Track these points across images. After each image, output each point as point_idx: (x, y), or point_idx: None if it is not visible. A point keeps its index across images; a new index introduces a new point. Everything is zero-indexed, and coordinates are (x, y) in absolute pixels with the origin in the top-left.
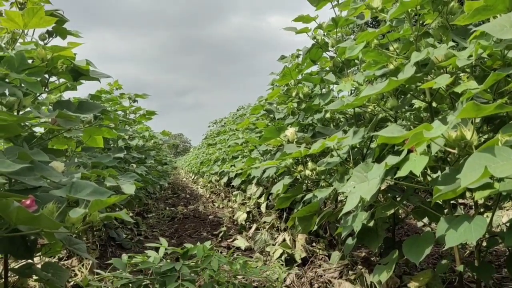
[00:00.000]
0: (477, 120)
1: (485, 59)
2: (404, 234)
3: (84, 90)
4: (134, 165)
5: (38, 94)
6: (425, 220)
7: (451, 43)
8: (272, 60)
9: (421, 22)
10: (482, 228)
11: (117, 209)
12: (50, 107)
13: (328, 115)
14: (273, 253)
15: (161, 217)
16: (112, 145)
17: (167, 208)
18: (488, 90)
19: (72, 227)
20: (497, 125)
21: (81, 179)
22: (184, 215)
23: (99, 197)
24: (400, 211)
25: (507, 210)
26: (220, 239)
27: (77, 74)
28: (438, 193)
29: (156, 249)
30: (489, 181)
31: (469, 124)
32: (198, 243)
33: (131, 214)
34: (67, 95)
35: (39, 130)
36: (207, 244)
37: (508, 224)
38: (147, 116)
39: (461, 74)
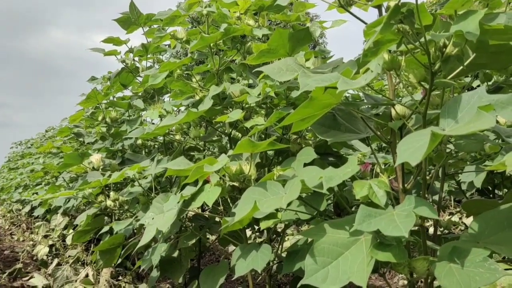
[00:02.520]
0: (271, 152)
1: (273, 98)
2: (215, 261)
3: None
4: None
5: None
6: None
7: (251, 81)
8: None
9: (225, 57)
10: (267, 256)
11: None
12: None
13: (139, 141)
14: None
15: None
16: None
17: None
18: (277, 124)
19: None
20: (284, 157)
21: None
22: None
23: None
24: (212, 238)
25: None
26: (13, 278)
27: None
28: (226, 224)
29: None
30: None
31: (248, 158)
32: None
33: None
34: None
35: None
36: None
37: (286, 252)
38: None
39: (259, 109)
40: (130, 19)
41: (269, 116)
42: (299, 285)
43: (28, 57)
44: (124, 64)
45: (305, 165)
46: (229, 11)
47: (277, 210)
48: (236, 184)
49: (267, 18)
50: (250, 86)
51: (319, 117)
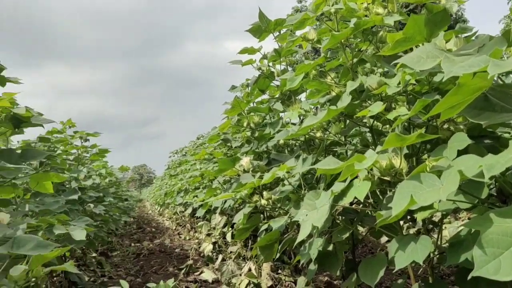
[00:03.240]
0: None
1: (414, 85)
2: (368, 253)
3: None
4: (92, 205)
5: None
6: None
7: (386, 69)
8: (230, 85)
9: (357, 49)
10: (428, 248)
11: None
12: None
13: (281, 141)
14: (239, 284)
15: (126, 254)
16: (67, 185)
17: (132, 244)
18: (423, 111)
19: (15, 284)
20: (432, 144)
21: (28, 229)
22: (150, 251)
23: (42, 251)
24: (361, 230)
25: (463, 220)
26: (186, 273)
27: (18, 121)
28: (381, 218)
29: None
30: None
31: (398, 153)
32: (161, 282)
33: (94, 255)
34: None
35: None
36: (170, 282)
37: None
38: (99, 154)
39: (399, 97)
40: (261, 28)
41: (410, 104)
42: (469, 277)
43: (171, 72)
44: (260, 71)
45: (459, 152)
46: (356, 4)
47: None
48: (387, 178)
49: (396, 2)
50: (385, 74)
51: (470, 103)
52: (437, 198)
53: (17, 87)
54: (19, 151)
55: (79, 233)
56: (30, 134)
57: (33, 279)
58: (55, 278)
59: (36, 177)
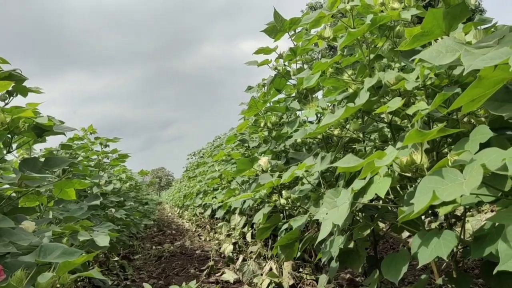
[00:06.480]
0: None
1: (433, 79)
2: (390, 248)
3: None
4: (113, 210)
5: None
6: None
7: (403, 63)
8: (247, 85)
9: (373, 45)
10: (452, 243)
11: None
12: (18, 163)
13: (299, 140)
14: (261, 283)
15: (147, 257)
16: (88, 191)
17: (154, 247)
18: (443, 105)
19: None
20: (454, 138)
21: (53, 236)
22: (171, 253)
23: (68, 258)
24: (381, 225)
25: (486, 213)
26: (208, 274)
27: (41, 130)
28: (402, 215)
29: None
30: None
31: (418, 148)
32: (184, 283)
33: (116, 258)
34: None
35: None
36: (193, 283)
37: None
38: (119, 159)
39: (417, 92)
40: (276, 27)
41: (430, 98)
42: (495, 271)
43: (187, 74)
44: (276, 70)
45: (481, 145)
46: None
47: None
48: (408, 174)
49: None
50: (403, 69)
51: (491, 95)
52: (460, 193)
53: (39, 97)
54: (42, 159)
55: (102, 239)
56: (52, 141)
57: (59, 286)
58: (79, 283)
59: (59, 185)
